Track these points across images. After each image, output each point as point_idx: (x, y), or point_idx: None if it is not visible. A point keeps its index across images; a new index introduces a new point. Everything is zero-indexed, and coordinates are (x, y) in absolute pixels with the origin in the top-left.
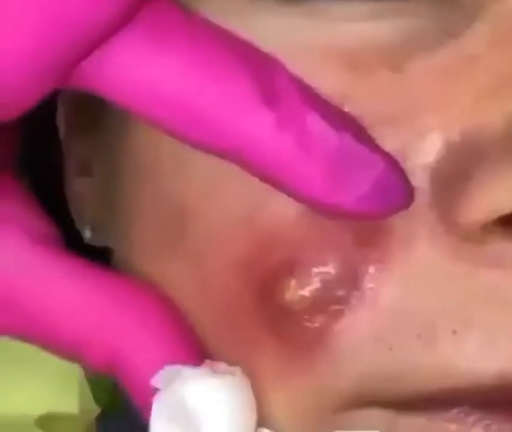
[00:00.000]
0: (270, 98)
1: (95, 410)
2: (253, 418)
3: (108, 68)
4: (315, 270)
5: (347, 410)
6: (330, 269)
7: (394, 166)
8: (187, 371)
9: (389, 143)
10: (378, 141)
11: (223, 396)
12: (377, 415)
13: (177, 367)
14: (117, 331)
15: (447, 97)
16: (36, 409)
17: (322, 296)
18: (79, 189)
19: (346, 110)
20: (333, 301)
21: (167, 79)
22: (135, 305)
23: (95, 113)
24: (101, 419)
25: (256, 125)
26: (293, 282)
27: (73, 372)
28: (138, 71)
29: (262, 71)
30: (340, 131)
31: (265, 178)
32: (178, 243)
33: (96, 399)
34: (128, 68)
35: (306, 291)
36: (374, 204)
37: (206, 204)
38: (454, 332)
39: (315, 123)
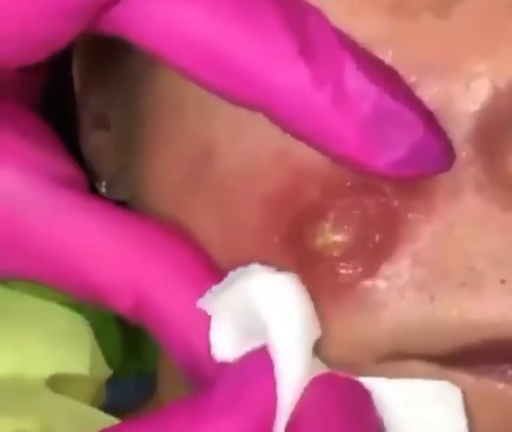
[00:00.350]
0: (304, 47)
1: (107, 372)
2: (317, 328)
3: (137, 11)
4: (352, 213)
5: (382, 362)
6: (368, 214)
7: (434, 128)
8: (253, 267)
9: (433, 90)
10: (422, 89)
11: (294, 297)
12: (418, 368)
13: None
14: (145, 274)
15: (494, 44)
16: (46, 370)
17: (357, 242)
18: (95, 143)
19: (388, 56)
20: (368, 248)
21: (196, 24)
22: (162, 246)
23: (110, 66)
24: (111, 382)
25: (290, 77)
26: (327, 226)
27: (84, 333)
28: (167, 15)
29: (297, 15)
30: (379, 86)
31: (296, 133)
32: (202, 183)
33: (108, 361)
34: (157, 12)
35: (340, 237)
36: (411, 169)
37: (233, 141)
38: (503, 281)
39: (353, 77)
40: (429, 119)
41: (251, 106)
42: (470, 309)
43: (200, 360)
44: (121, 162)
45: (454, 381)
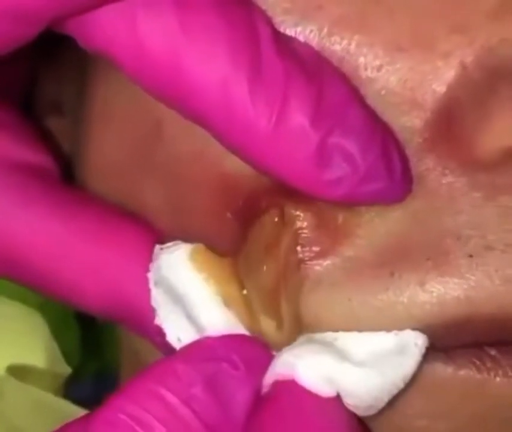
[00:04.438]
0: (253, 71)
1: (65, 368)
2: None
3: (97, 24)
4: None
5: None
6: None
7: (389, 160)
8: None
9: (399, 71)
10: (388, 70)
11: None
12: None
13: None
14: (109, 267)
15: (459, 19)
16: (2, 361)
17: (316, 221)
18: (50, 129)
19: (354, 37)
20: (329, 229)
21: (153, 39)
22: (115, 233)
23: (62, 51)
24: (71, 381)
25: (230, 94)
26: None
27: (39, 328)
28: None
29: (246, 30)
30: (326, 123)
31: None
32: (151, 161)
33: (67, 359)
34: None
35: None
36: (359, 199)
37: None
38: (471, 256)
39: (297, 112)
40: (385, 150)
41: (192, 120)
42: (434, 284)
43: None
44: (75, 147)
45: (433, 374)
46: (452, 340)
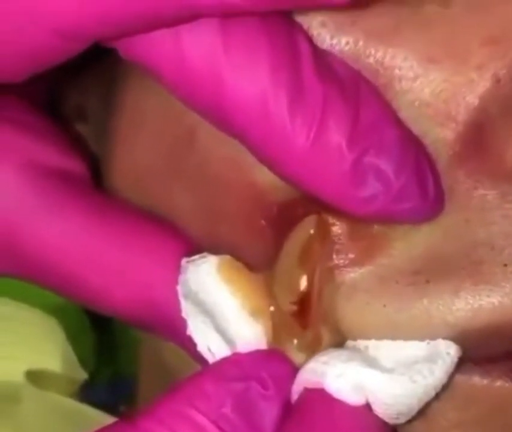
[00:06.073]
0: (294, 92)
1: (81, 373)
2: None
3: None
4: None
5: None
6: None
7: (423, 180)
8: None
9: (434, 82)
10: (422, 81)
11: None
12: None
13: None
14: (138, 273)
15: (492, 31)
16: (20, 367)
17: (351, 231)
18: (76, 135)
19: (389, 48)
20: (364, 240)
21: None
22: (144, 239)
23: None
24: (87, 385)
25: (271, 113)
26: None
27: (55, 333)
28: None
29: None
30: (362, 144)
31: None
32: (182, 167)
33: (83, 364)
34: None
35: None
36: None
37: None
38: (505, 265)
39: (334, 129)
40: (419, 171)
41: (231, 134)
42: (469, 292)
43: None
44: (100, 153)
45: (467, 384)
46: (488, 349)
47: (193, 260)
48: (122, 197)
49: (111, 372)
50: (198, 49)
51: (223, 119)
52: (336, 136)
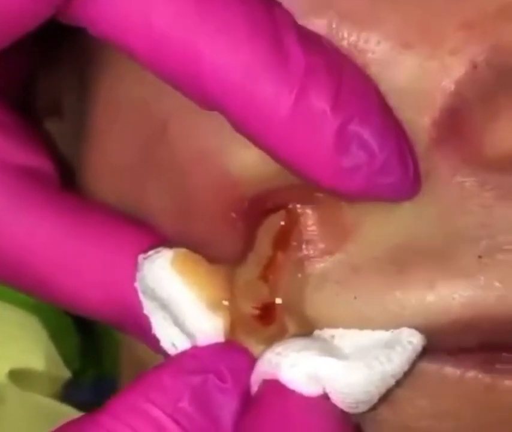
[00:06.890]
0: (274, 55)
1: (64, 371)
2: None
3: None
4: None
5: None
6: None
7: (401, 154)
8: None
9: (409, 67)
10: (397, 66)
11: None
12: None
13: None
14: (110, 273)
15: (468, 15)
16: (3, 366)
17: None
18: (49, 131)
19: (363, 33)
20: (336, 228)
21: (169, 22)
22: (122, 241)
23: (60, 50)
24: (70, 386)
25: (255, 83)
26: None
27: (38, 333)
28: (141, 13)
29: (265, 17)
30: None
31: (253, 140)
32: (155, 163)
33: (66, 364)
34: (131, 9)
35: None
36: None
37: (186, 115)
38: (480, 257)
39: (317, 97)
40: (398, 144)
41: (209, 106)
42: (442, 284)
43: None
44: (75, 150)
45: (439, 375)
46: (460, 341)
47: (149, 256)
48: (94, 195)
49: (96, 372)
50: (172, 17)
51: (200, 90)
52: (320, 102)
